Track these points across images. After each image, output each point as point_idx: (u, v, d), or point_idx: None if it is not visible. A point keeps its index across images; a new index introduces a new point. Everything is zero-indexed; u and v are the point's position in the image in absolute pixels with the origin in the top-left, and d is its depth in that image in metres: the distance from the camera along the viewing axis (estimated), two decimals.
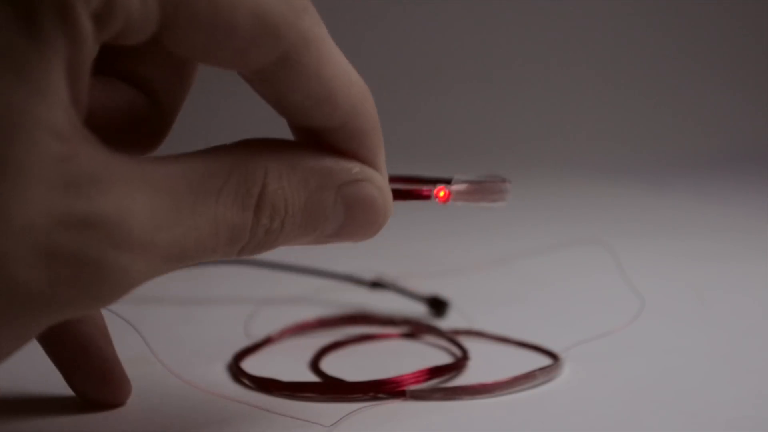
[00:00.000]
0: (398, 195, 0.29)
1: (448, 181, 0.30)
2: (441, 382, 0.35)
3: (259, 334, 0.41)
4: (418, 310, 0.45)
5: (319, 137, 0.27)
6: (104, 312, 0.32)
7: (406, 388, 0.33)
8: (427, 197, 0.30)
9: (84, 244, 0.21)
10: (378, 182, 0.27)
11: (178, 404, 0.33)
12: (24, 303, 0.21)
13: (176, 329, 0.44)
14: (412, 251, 0.63)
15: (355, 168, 0.27)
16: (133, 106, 0.27)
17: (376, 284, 0.47)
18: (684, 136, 1.15)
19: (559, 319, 0.45)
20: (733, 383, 0.35)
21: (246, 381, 0.35)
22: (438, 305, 0.45)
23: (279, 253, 0.49)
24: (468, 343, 0.39)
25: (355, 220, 0.27)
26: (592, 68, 1.25)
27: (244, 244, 0.25)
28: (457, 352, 0.38)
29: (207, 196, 0.23)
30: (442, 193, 0.30)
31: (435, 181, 0.30)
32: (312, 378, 0.36)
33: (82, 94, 0.22)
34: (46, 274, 0.21)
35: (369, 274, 0.48)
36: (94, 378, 0.32)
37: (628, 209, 0.81)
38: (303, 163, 0.26)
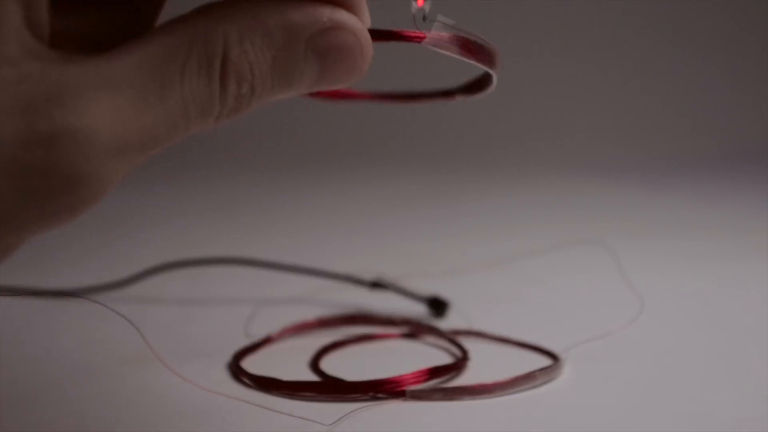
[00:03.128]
0: (378, 36, 0.27)
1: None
2: (441, 382, 0.35)
3: (259, 334, 0.41)
4: (418, 310, 0.45)
5: None
6: (103, 311, 0.32)
7: (406, 388, 0.33)
8: (411, 38, 0.28)
9: (50, 159, 0.21)
10: (352, 26, 0.26)
11: (179, 403, 0.33)
12: None
13: (176, 329, 0.44)
14: (412, 251, 0.63)
15: (324, 16, 0.25)
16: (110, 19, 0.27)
17: (376, 284, 0.47)
18: (684, 136, 1.15)
19: (559, 320, 0.45)
20: (733, 383, 0.35)
21: (246, 380, 0.35)
22: (438, 305, 0.45)
23: (279, 254, 0.49)
24: (468, 343, 0.39)
25: (331, 70, 0.26)
26: (592, 68, 1.25)
27: (216, 114, 0.24)
28: (457, 352, 0.38)
29: (170, 78, 0.23)
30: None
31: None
32: (312, 378, 0.36)
33: (40, 14, 0.22)
34: (13, 192, 0.21)
35: (369, 274, 0.48)
36: None
37: (628, 209, 0.81)
38: (265, 21, 0.25)
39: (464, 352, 0.38)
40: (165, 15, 0.27)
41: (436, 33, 0.28)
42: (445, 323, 0.44)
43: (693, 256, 0.60)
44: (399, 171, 1.01)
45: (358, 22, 0.26)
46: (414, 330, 0.42)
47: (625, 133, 1.17)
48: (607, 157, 1.07)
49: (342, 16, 0.26)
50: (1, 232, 0.22)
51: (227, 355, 0.38)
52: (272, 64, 0.25)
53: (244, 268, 0.50)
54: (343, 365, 0.37)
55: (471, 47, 0.28)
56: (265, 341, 0.40)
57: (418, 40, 0.28)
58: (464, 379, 0.36)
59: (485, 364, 0.37)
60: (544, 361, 0.37)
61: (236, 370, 0.36)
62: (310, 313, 0.44)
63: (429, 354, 0.39)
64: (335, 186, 0.94)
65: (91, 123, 0.22)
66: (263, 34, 0.25)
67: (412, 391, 0.33)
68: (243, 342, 0.40)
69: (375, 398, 0.33)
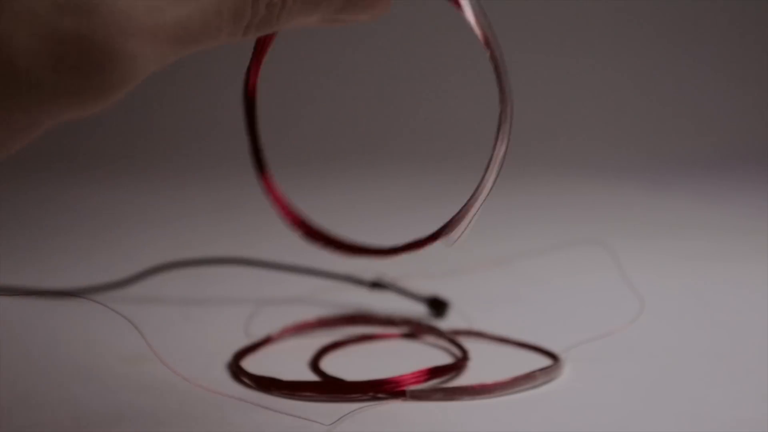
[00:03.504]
0: None
1: None
2: (441, 383, 0.35)
3: (259, 334, 0.41)
4: (418, 310, 0.45)
5: None
6: (104, 311, 0.32)
7: (406, 388, 0.33)
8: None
9: (87, 28, 0.21)
10: None
11: (179, 402, 0.33)
12: (27, 89, 0.21)
13: (176, 328, 0.44)
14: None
15: None
16: None
17: (376, 284, 0.47)
18: (684, 136, 1.15)
19: (559, 320, 0.45)
20: (733, 383, 0.35)
21: (246, 380, 0.35)
22: (438, 305, 0.45)
23: (279, 254, 0.49)
24: (468, 343, 0.39)
25: None
26: (592, 68, 1.25)
27: (247, 21, 0.24)
28: (457, 352, 0.38)
29: None
30: None
31: None
32: (312, 378, 0.36)
33: None
34: (48, 59, 0.21)
35: (369, 274, 0.48)
36: None
37: (628, 209, 0.81)
38: None
39: (464, 352, 0.38)
40: None
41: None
42: (445, 323, 0.44)
43: (693, 256, 0.60)
44: (399, 171, 1.01)
45: None
46: (414, 330, 0.42)
47: (625, 133, 1.17)
48: (607, 157, 1.07)
49: None
50: (34, 99, 0.21)
51: (227, 355, 0.38)
52: None
53: (244, 268, 0.50)
54: (343, 365, 0.37)
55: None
56: (265, 341, 0.40)
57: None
58: (464, 379, 0.36)
59: (485, 364, 0.37)
60: (544, 361, 0.37)
61: (236, 370, 0.36)
62: (310, 313, 0.44)
63: (429, 354, 0.39)
64: (335, 186, 0.94)
65: (130, 1, 0.22)
66: None
67: (412, 391, 0.33)
68: (243, 342, 0.40)
69: (375, 398, 0.33)
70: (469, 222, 0.30)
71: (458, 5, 0.29)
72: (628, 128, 1.18)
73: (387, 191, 0.92)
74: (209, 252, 0.51)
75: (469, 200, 0.30)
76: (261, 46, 0.30)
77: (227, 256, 0.50)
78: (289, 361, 0.38)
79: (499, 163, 0.30)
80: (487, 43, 0.29)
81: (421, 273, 0.51)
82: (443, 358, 0.38)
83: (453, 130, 1.13)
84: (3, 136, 0.22)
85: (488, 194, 0.30)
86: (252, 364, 0.37)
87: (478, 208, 0.30)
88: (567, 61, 1.25)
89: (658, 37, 1.29)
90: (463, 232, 0.30)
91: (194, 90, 1.12)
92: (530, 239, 0.64)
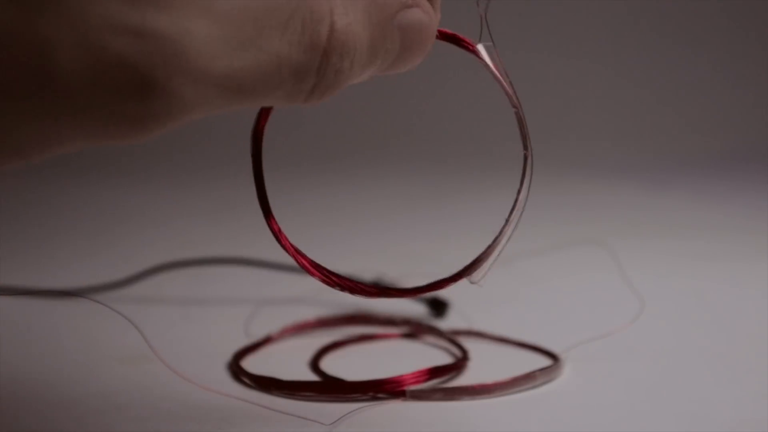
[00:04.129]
0: (442, 35, 0.29)
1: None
2: (441, 382, 0.35)
3: (259, 334, 0.41)
4: (418, 310, 0.45)
5: None
6: (104, 311, 0.32)
7: (406, 388, 0.33)
8: (468, 47, 0.29)
9: (136, 52, 0.20)
10: (425, 6, 0.26)
11: (179, 402, 0.33)
12: (60, 99, 0.20)
13: (177, 328, 0.44)
14: (412, 251, 0.63)
15: None
16: None
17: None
18: (684, 136, 1.15)
19: (559, 320, 0.45)
20: (733, 384, 0.35)
21: (246, 380, 0.35)
22: (438, 305, 0.45)
23: (279, 254, 0.49)
24: (468, 343, 0.39)
25: (409, 46, 0.26)
26: (592, 68, 1.25)
27: (311, 85, 0.24)
28: (457, 352, 0.38)
29: (270, 31, 0.23)
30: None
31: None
32: (312, 377, 0.36)
33: None
34: (89, 74, 0.20)
35: (369, 274, 0.48)
36: None
37: (628, 209, 0.81)
38: None
39: (464, 352, 0.38)
40: None
41: (485, 51, 0.29)
42: (445, 323, 0.44)
43: (693, 256, 0.60)
44: (399, 171, 1.01)
45: (428, 4, 0.27)
46: (414, 330, 0.42)
47: (625, 133, 1.17)
48: (607, 157, 1.07)
49: None
50: (64, 111, 0.21)
51: (227, 355, 0.38)
52: (370, 40, 0.25)
53: (244, 268, 0.50)
54: (343, 365, 0.37)
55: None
56: (265, 341, 0.40)
57: (471, 48, 0.30)
58: (464, 379, 0.36)
59: (485, 364, 0.37)
60: (544, 361, 0.37)
61: (236, 370, 0.36)
62: (310, 313, 0.44)
63: (429, 354, 0.39)
64: (335, 186, 0.94)
65: (184, 37, 0.21)
66: (363, 8, 0.25)
67: (412, 391, 0.33)
68: (243, 342, 0.40)
69: (375, 398, 0.33)
70: (492, 262, 0.31)
71: (478, 56, 0.30)
72: (628, 128, 1.18)
73: (387, 191, 0.92)
74: (209, 252, 0.51)
75: (494, 241, 0.31)
76: None
77: (227, 256, 0.50)
78: (289, 361, 0.38)
79: (522, 206, 0.32)
80: (512, 101, 0.30)
81: (421, 273, 0.51)
82: (443, 358, 0.38)
83: (453, 130, 1.13)
84: (26, 143, 0.21)
85: (511, 236, 0.32)
86: (252, 364, 0.37)
87: (502, 249, 0.32)
88: (567, 61, 1.25)
89: (658, 37, 1.29)
90: (486, 273, 0.32)
91: None
92: (530, 239, 0.64)
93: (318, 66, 0.24)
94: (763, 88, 1.23)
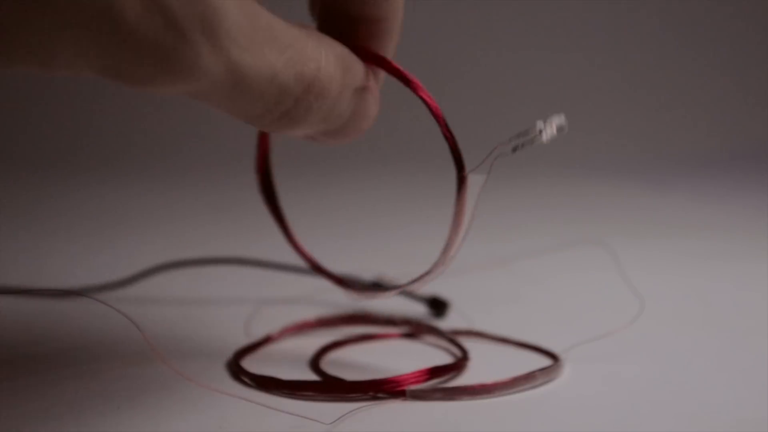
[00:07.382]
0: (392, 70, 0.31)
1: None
2: (441, 382, 0.35)
3: (259, 334, 0.41)
4: (418, 310, 0.45)
5: (352, 26, 0.28)
6: (105, 311, 0.32)
7: (406, 388, 0.33)
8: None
9: (183, 7, 0.22)
10: (376, 92, 0.29)
11: (179, 401, 0.33)
12: (96, 19, 0.21)
13: (177, 328, 0.44)
14: (412, 251, 0.63)
15: (365, 72, 0.28)
16: None
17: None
18: (684, 136, 1.15)
19: (559, 320, 0.45)
20: (733, 384, 0.35)
21: (246, 379, 0.35)
22: (438, 305, 0.45)
23: (279, 254, 0.49)
24: (468, 343, 0.39)
25: (354, 120, 0.29)
26: (593, 68, 1.25)
27: (286, 109, 0.26)
28: (457, 352, 0.38)
29: (273, 46, 0.24)
30: None
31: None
32: (312, 377, 0.36)
33: None
34: (139, 6, 0.21)
35: (369, 274, 0.48)
36: None
37: (628, 209, 0.81)
38: (344, 56, 0.27)
39: (464, 352, 0.38)
40: None
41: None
42: (445, 323, 0.44)
43: (693, 256, 0.60)
44: (399, 171, 1.01)
45: (377, 89, 0.30)
46: (414, 330, 0.42)
47: (625, 133, 1.17)
48: (607, 157, 1.07)
49: (372, 80, 0.29)
50: (99, 30, 0.22)
51: (227, 355, 0.38)
52: (336, 96, 0.27)
53: (244, 268, 0.50)
54: (343, 365, 0.37)
55: None
56: (265, 341, 0.40)
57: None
58: (464, 379, 0.36)
59: (485, 364, 0.37)
60: (544, 361, 0.37)
61: (236, 370, 0.36)
62: (310, 313, 0.44)
63: (429, 354, 0.39)
64: (335, 186, 0.94)
65: (222, 8, 0.22)
66: (342, 66, 0.27)
67: (412, 391, 0.33)
68: (243, 341, 0.40)
69: (375, 398, 0.33)
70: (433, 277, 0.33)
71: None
72: (628, 128, 1.18)
73: (388, 191, 0.92)
74: (209, 252, 0.51)
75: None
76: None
77: (227, 256, 0.50)
78: (289, 361, 0.38)
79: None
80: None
81: (421, 273, 0.51)
82: (443, 358, 0.38)
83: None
84: (46, 52, 0.22)
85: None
86: (252, 364, 0.37)
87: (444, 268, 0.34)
88: (567, 60, 1.25)
89: (659, 37, 1.29)
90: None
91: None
92: (530, 239, 0.64)
93: (298, 95, 0.26)
94: (763, 88, 1.23)
